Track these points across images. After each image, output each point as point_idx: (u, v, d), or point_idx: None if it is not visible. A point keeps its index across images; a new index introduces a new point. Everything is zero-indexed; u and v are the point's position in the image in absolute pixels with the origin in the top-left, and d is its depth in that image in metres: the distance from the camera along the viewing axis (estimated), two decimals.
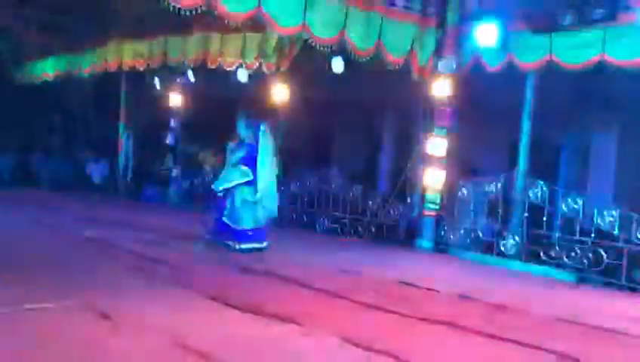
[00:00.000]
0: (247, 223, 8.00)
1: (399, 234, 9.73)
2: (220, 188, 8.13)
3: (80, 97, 16.76)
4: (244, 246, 7.92)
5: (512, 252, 8.51)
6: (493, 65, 8.79)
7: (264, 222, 8.14)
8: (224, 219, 8.07)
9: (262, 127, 8.12)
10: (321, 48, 8.39)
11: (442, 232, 9.22)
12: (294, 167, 11.58)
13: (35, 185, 15.15)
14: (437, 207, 9.28)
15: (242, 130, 8.20)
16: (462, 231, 9.01)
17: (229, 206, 8.07)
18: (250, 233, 7.99)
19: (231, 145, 8.28)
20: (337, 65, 10.67)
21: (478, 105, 9.64)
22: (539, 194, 8.36)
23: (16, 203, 11.69)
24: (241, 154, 8.11)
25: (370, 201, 10.21)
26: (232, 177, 8.11)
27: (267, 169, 8.07)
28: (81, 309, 4.76)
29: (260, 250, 7.95)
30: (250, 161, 8.04)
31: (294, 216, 10.87)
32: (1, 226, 8.72)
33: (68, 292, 5.25)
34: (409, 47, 9.05)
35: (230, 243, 7.95)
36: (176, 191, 13.46)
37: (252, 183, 8.02)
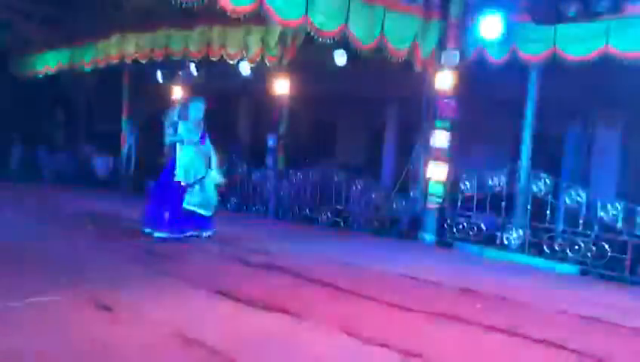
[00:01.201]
0: (216, 207, 8.08)
1: (402, 227, 9.71)
2: (192, 180, 7.89)
3: (82, 91, 16.78)
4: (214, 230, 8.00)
5: (515, 245, 8.50)
6: (496, 58, 8.75)
7: None
8: (191, 208, 7.85)
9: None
10: (324, 41, 8.35)
11: (445, 225, 9.20)
12: (296, 160, 11.58)
13: (39, 178, 15.18)
14: (440, 199, 9.26)
15: (195, 113, 8.09)
16: (465, 224, 9.00)
17: (197, 193, 7.90)
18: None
19: (187, 124, 7.99)
20: (340, 57, 10.66)
21: (481, 98, 9.61)
22: (542, 187, 8.34)
23: (19, 196, 11.71)
24: (198, 137, 8.02)
25: (373, 194, 10.20)
26: (200, 163, 7.98)
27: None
28: (82, 301, 4.76)
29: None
30: (207, 144, 8.09)
31: (296, 208, 10.86)
32: (5, 219, 8.73)
33: (69, 284, 5.25)
34: (412, 40, 9.01)
35: (201, 232, 7.94)
36: None
37: (211, 166, 8.05)
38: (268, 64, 10.45)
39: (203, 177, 7.93)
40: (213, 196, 8.05)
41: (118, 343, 3.93)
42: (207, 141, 8.07)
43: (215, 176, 8.06)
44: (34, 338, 3.90)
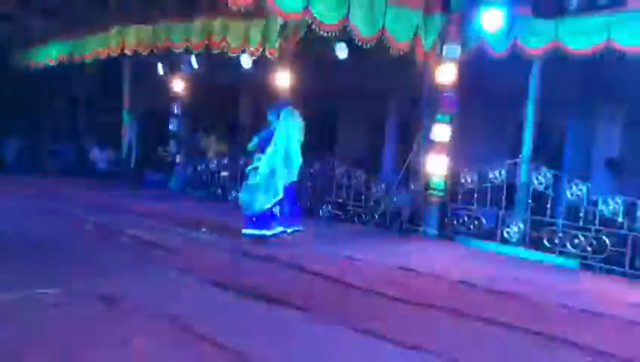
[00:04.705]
0: (246, 208, 7.89)
1: (402, 221, 9.72)
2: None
3: (83, 83, 16.75)
4: (245, 231, 7.80)
5: (515, 239, 8.51)
6: (498, 51, 8.72)
7: (265, 208, 7.72)
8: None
9: (283, 112, 7.85)
10: (325, 34, 8.34)
11: (446, 219, 9.21)
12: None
13: (40, 170, 15.18)
14: (440, 193, 9.26)
15: (269, 117, 7.97)
16: (465, 218, 9.01)
17: None
18: (253, 219, 7.80)
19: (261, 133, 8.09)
20: (341, 51, 10.64)
21: (482, 91, 9.59)
22: (543, 181, 8.35)
23: (20, 188, 11.71)
24: (256, 140, 7.95)
25: (374, 188, 10.21)
26: (253, 163, 8.03)
27: (276, 152, 7.76)
28: (84, 295, 4.77)
29: (262, 237, 7.72)
30: (266, 146, 7.83)
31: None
32: (4, 212, 8.74)
33: (71, 277, 5.26)
34: (413, 33, 8.98)
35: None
36: (179, 178, 13.46)
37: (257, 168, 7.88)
38: (269, 57, 10.42)
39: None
40: (246, 194, 8.03)
41: (122, 336, 3.94)
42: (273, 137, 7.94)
43: (254, 175, 8.06)
44: (38, 332, 3.91)
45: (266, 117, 8.02)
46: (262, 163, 7.79)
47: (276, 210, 7.82)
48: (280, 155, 7.76)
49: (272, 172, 7.75)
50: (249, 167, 8.07)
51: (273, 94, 11.20)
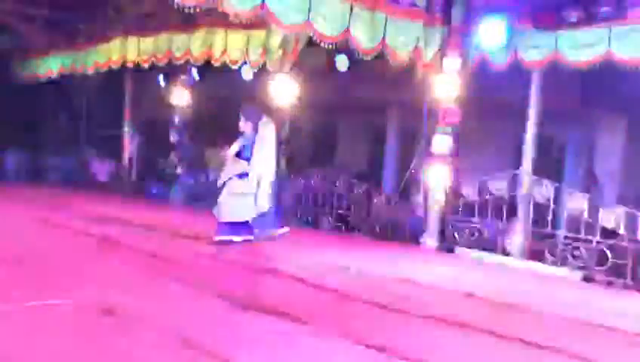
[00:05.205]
0: (229, 215, 7.94)
1: (404, 233, 9.71)
2: (219, 183, 8.12)
3: (84, 95, 16.79)
4: (220, 237, 7.90)
5: (516, 250, 8.49)
6: (498, 63, 8.76)
7: (250, 217, 7.97)
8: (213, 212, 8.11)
9: (262, 120, 8.09)
10: (326, 46, 8.37)
11: (447, 231, 9.20)
12: (298, 165, 11.58)
13: (41, 182, 15.19)
14: (441, 204, 9.26)
15: (244, 127, 8.14)
16: (467, 230, 9.00)
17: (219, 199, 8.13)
18: (234, 226, 7.92)
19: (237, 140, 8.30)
20: (342, 63, 10.68)
21: (482, 103, 9.61)
22: (544, 193, 8.34)
23: (21, 200, 11.71)
24: (235, 148, 8.07)
25: (375, 199, 10.22)
26: (228, 171, 8.12)
27: (261, 162, 8.01)
28: (86, 306, 4.75)
29: (242, 241, 7.88)
30: (247, 154, 8.01)
31: (298, 213, 10.86)
32: (6, 224, 8.73)
33: (73, 289, 5.25)
34: (414, 45, 9.02)
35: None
36: (181, 189, 13.46)
37: (244, 176, 7.97)
38: (270, 68, 10.46)
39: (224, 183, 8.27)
40: (232, 202, 8.16)
41: (123, 348, 3.92)
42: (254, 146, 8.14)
43: (240, 183, 8.26)
44: (34, 343, 3.89)
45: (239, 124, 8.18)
46: (250, 172, 7.96)
47: (259, 216, 7.99)
48: (268, 165, 8.07)
49: (260, 181, 7.98)
50: (230, 175, 8.11)
51: (273, 105, 11.25)
